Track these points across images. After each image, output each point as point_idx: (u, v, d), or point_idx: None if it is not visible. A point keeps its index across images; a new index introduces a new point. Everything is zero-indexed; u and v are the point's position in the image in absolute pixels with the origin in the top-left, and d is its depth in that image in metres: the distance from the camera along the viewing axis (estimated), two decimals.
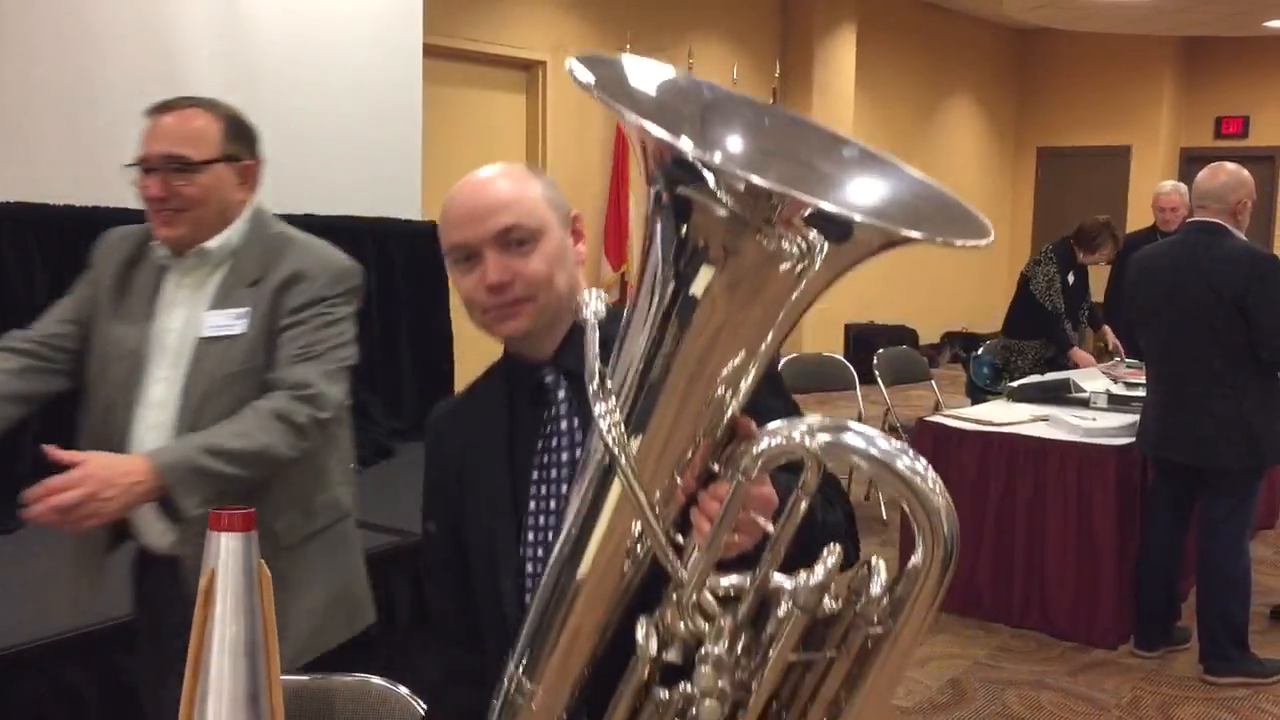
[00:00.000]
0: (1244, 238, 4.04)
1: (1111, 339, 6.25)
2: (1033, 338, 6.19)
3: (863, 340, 10.38)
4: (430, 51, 5.34)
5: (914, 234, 1.04)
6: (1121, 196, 12.66)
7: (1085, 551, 4.44)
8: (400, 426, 4.81)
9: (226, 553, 1.06)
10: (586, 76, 1.07)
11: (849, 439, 1.15)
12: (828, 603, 1.19)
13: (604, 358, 1.19)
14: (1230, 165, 4.11)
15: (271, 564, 2.14)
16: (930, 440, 4.74)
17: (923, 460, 1.16)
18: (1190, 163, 12.70)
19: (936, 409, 6.07)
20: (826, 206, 1.02)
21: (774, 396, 1.39)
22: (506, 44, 7.79)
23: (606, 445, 1.13)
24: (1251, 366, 3.93)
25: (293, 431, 2.02)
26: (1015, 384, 5.54)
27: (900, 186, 1.17)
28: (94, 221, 3.78)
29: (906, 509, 1.16)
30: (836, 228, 1.04)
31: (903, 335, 10.84)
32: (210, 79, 4.11)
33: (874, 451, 1.14)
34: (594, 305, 1.27)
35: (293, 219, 4.39)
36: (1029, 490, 4.56)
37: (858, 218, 1.05)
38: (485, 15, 7.62)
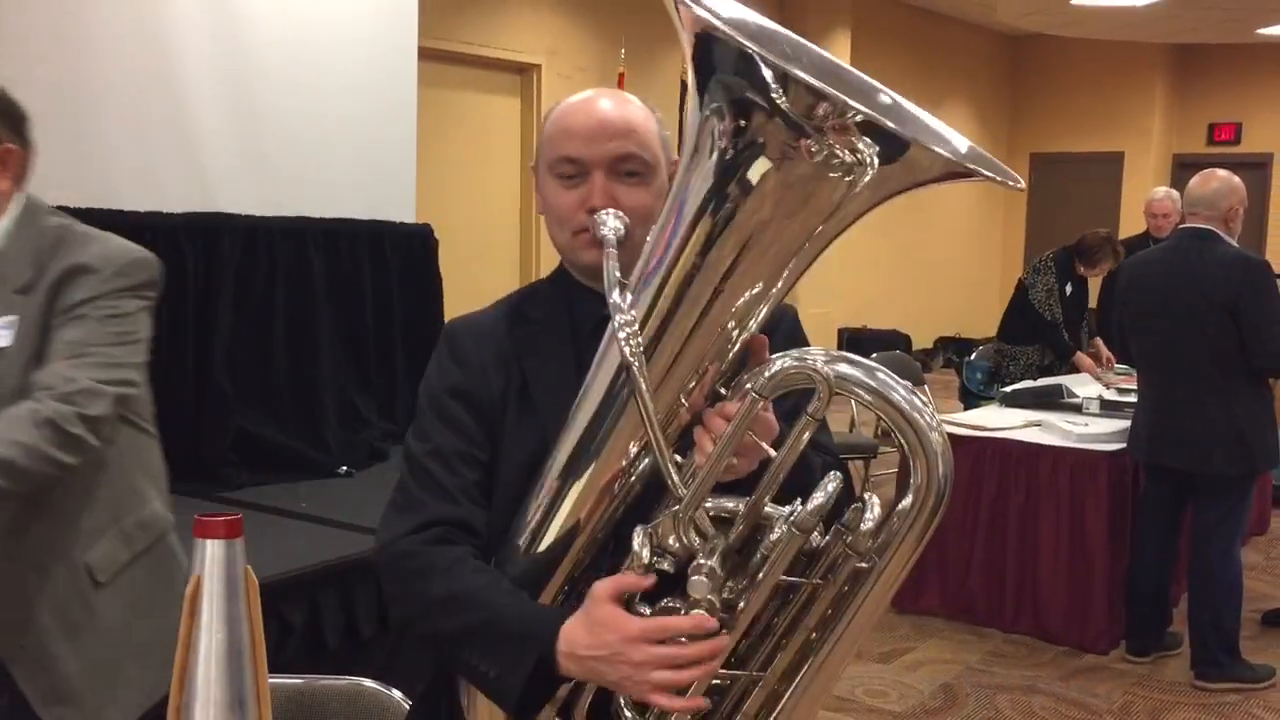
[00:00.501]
0: (1236, 244, 4.06)
1: (1104, 351, 6.25)
2: (1027, 344, 6.20)
3: (856, 345, 10.38)
4: (425, 54, 5.34)
5: (943, 152, 1.11)
6: (1114, 202, 12.69)
7: (1077, 557, 4.45)
8: (394, 429, 4.80)
9: (211, 560, 1.05)
10: None
11: (857, 371, 1.20)
12: (815, 536, 1.23)
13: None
14: (1222, 172, 4.12)
15: (89, 607, 1.92)
16: None
17: (922, 397, 1.22)
18: (1183, 169, 12.72)
19: None
20: (889, 123, 1.08)
21: None
22: (501, 47, 7.79)
23: (624, 356, 1.17)
24: (1243, 372, 3.95)
25: (60, 436, 1.75)
26: (1008, 389, 5.56)
27: (931, 134, 1.22)
28: (89, 223, 3.80)
29: (904, 445, 1.21)
30: (890, 145, 1.10)
31: (896, 340, 10.86)
32: (206, 81, 4.11)
33: (879, 385, 1.20)
34: (612, 224, 1.34)
35: (287, 220, 4.43)
36: (1021, 495, 4.57)
37: (911, 136, 1.10)
38: (480, 18, 7.62)
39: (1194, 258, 4.01)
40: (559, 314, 1.49)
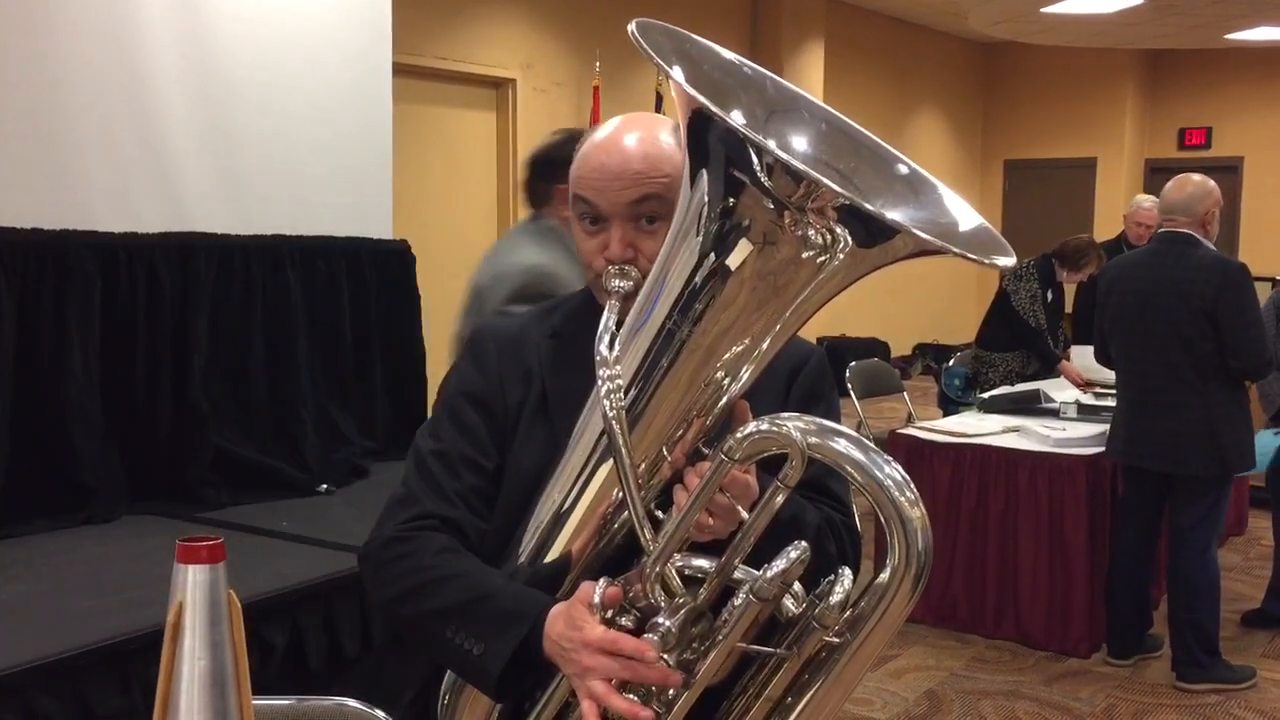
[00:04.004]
0: (1214, 247, 4.10)
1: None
2: (1006, 350, 6.20)
3: (835, 353, 10.40)
4: (400, 70, 5.34)
5: (946, 246, 1.13)
6: (1088, 208, 12.79)
7: (1058, 561, 4.47)
8: (374, 446, 4.78)
9: (194, 585, 1.04)
10: (647, 42, 1.16)
11: (838, 443, 1.18)
12: (789, 604, 1.21)
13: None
14: (1196, 176, 4.16)
15: None
16: (903, 453, 4.77)
17: (901, 470, 1.17)
18: (1155, 174, 12.84)
19: (909, 420, 6.10)
20: (868, 208, 1.08)
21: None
22: (476, 62, 7.80)
23: (604, 413, 1.19)
24: (1220, 375, 3.98)
25: None
26: (986, 395, 5.58)
27: (937, 207, 1.24)
28: (64, 246, 3.79)
29: (882, 519, 1.17)
30: (868, 228, 1.11)
31: (874, 348, 10.89)
32: (179, 100, 4.09)
33: (860, 457, 1.17)
34: (620, 283, 1.36)
35: (263, 239, 4.42)
36: (1001, 501, 4.59)
37: (895, 219, 1.11)
38: (454, 33, 7.62)
39: (1173, 261, 4.04)
40: (586, 330, 1.46)
